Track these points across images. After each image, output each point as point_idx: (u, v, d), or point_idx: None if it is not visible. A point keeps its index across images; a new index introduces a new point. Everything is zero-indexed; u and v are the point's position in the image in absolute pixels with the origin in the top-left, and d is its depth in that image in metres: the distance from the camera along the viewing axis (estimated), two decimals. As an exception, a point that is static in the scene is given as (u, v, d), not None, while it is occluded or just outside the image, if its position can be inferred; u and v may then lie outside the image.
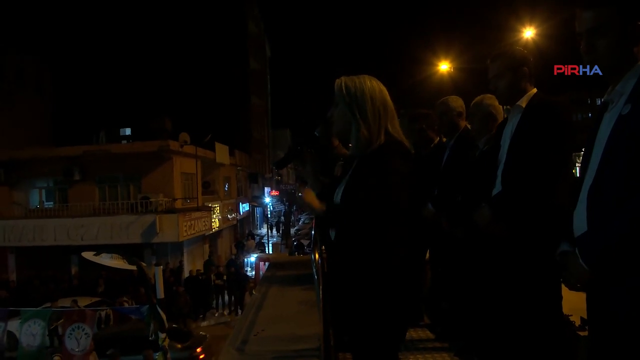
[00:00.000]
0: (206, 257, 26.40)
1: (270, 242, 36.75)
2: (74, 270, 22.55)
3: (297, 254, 23.94)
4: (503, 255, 2.91)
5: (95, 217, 22.66)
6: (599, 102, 2.07)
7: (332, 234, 2.44)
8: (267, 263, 17.05)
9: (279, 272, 8.18)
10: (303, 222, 49.08)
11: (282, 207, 48.99)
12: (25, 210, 24.45)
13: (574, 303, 2.90)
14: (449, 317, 4.38)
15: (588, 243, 1.86)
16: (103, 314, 14.62)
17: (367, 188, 2.22)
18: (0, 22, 27.77)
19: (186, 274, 21.82)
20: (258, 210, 47.32)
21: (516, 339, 2.92)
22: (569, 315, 3.67)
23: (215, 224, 27.47)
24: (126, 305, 15.80)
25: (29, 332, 8.00)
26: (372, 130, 2.30)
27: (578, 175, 2.09)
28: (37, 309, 10.82)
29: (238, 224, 35.86)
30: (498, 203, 2.94)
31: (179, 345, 13.18)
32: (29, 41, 29.67)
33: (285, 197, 48.53)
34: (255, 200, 43.79)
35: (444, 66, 23.80)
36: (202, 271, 22.05)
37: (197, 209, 25.07)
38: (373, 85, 2.35)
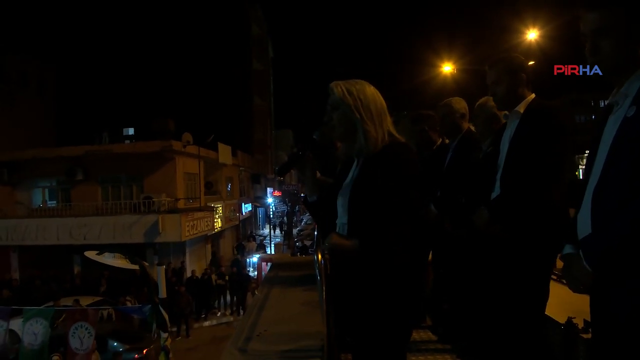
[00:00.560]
0: (209, 257, 26.43)
1: (273, 242, 36.78)
2: (76, 269, 22.60)
3: (301, 255, 23.92)
4: (501, 257, 2.97)
5: (97, 216, 22.69)
6: (602, 104, 2.07)
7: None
8: (269, 263, 17.06)
9: (282, 272, 8.18)
10: (305, 223, 49.11)
11: (284, 208, 48.99)
12: (28, 209, 24.51)
13: (577, 305, 2.90)
14: (450, 319, 4.38)
15: (593, 245, 1.86)
16: (105, 313, 14.64)
17: (387, 191, 2.20)
18: (4, 23, 27.85)
19: (188, 273, 21.84)
20: (260, 211, 47.35)
21: (513, 339, 2.95)
22: (572, 318, 3.68)
23: (218, 224, 27.50)
24: (129, 304, 15.82)
25: (31, 331, 8.02)
26: (378, 131, 2.31)
27: (582, 177, 2.09)
28: (39, 307, 10.84)
29: (240, 225, 35.89)
30: (495, 205, 2.99)
31: (128, 346, 13.50)
32: (31, 42, 29.79)
33: (288, 197, 48.52)
34: (258, 201, 43.82)
35: (447, 68, 23.80)
36: (208, 270, 22.16)
37: (200, 209, 25.09)
38: (372, 89, 2.40)
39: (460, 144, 4.18)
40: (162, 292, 7.59)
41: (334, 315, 2.50)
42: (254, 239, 34.54)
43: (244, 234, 37.20)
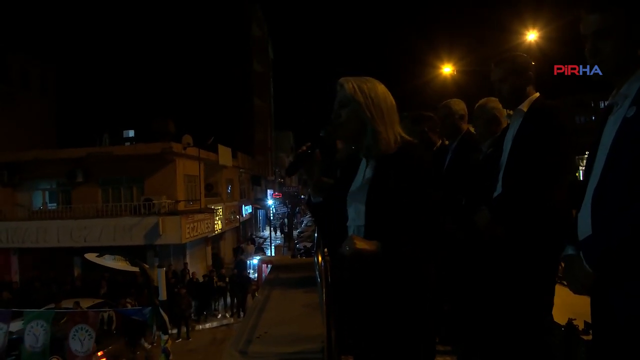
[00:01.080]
0: (209, 259, 26.43)
1: (273, 244, 36.78)
2: (76, 271, 22.62)
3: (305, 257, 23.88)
4: (503, 257, 2.95)
5: (98, 218, 22.71)
6: (602, 105, 2.08)
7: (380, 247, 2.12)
8: (269, 265, 17.05)
9: (282, 274, 8.17)
10: (306, 225, 49.10)
11: (285, 209, 49.02)
12: (29, 211, 24.50)
13: (577, 307, 2.90)
14: (451, 320, 4.37)
15: (593, 246, 1.85)
16: (106, 315, 14.65)
17: (408, 193, 2.12)
18: (5, 24, 27.88)
19: (189, 275, 21.87)
20: (261, 213, 47.35)
21: (514, 341, 2.95)
22: (572, 319, 3.67)
23: (218, 226, 27.52)
24: (129, 307, 15.83)
25: (32, 333, 8.03)
26: (389, 131, 2.25)
27: (582, 178, 2.09)
28: (40, 310, 10.85)
29: (241, 226, 35.89)
30: (497, 205, 2.98)
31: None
32: (33, 43, 29.80)
33: (288, 199, 48.51)
34: (258, 203, 43.83)
35: (447, 69, 23.81)
36: (212, 271, 22.20)
37: (200, 211, 25.11)
38: (382, 87, 2.32)
39: (459, 145, 4.18)
40: (163, 294, 7.60)
41: (345, 318, 2.44)
42: (253, 242, 34.50)
43: (244, 236, 37.19)
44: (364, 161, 2.37)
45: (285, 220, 44.99)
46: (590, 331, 2.11)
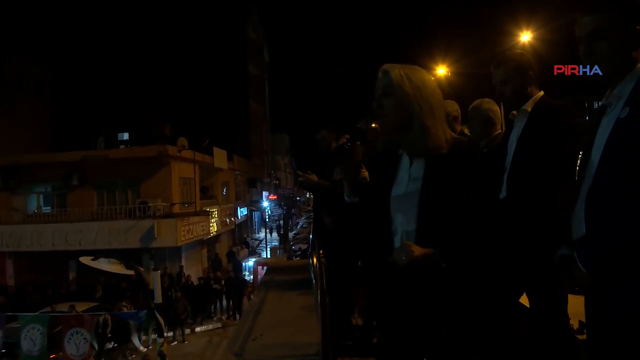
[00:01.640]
0: (205, 262, 26.36)
1: (269, 246, 36.78)
2: (71, 275, 22.54)
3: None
4: (507, 259, 2.90)
5: (93, 222, 22.62)
6: (596, 105, 2.09)
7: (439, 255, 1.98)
8: (265, 267, 17.04)
9: (277, 276, 8.16)
10: (301, 226, 49.11)
11: (280, 211, 49.01)
12: (24, 215, 24.40)
13: (572, 307, 2.90)
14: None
15: (586, 247, 1.86)
16: (101, 319, 14.61)
17: (470, 196, 1.97)
18: (2, 25, 27.77)
19: (185, 278, 21.84)
20: (256, 215, 47.32)
21: (518, 340, 2.93)
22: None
23: (214, 228, 27.46)
24: (125, 310, 15.80)
25: (29, 337, 8.01)
26: (438, 126, 2.06)
27: (576, 177, 2.10)
28: (35, 314, 10.81)
29: (236, 229, 35.85)
30: (503, 207, 2.93)
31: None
32: (30, 45, 29.69)
33: (284, 201, 48.51)
34: (254, 205, 43.79)
35: (441, 70, 23.88)
36: (210, 273, 22.26)
37: (195, 214, 25.05)
38: (431, 78, 2.15)
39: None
40: (158, 297, 7.60)
41: (392, 330, 2.17)
42: (247, 245, 34.40)
43: (240, 238, 37.14)
44: (405, 158, 2.16)
45: (281, 222, 44.97)
46: (585, 331, 2.10)
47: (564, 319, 2.95)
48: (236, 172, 36.48)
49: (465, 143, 2.09)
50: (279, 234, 43.46)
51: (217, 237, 29.38)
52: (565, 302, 2.89)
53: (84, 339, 8.18)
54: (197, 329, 19.54)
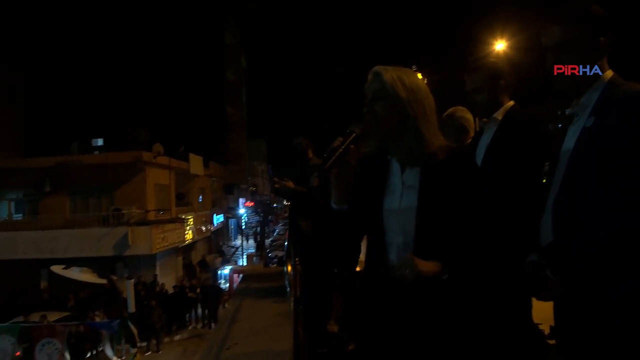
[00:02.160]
0: (180, 270, 26.10)
1: (245, 253, 36.59)
2: (43, 284, 22.07)
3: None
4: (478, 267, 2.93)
5: (66, 229, 22.22)
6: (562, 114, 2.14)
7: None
8: (241, 275, 16.94)
9: (253, 284, 8.11)
10: (278, 234, 48.99)
11: (257, 218, 48.81)
12: (-6, 223, 23.90)
13: (543, 312, 2.93)
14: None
15: (554, 253, 1.89)
16: (74, 329, 14.35)
17: (469, 206, 1.90)
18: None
19: (159, 286, 21.57)
20: (232, 222, 47.07)
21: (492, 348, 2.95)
22: (538, 324, 3.72)
23: (189, 235, 27.22)
24: (97, 319, 15.55)
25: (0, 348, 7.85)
26: (432, 132, 1.97)
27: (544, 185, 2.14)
28: (5, 324, 10.59)
29: (212, 236, 35.60)
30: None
31: None
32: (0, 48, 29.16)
33: (261, 208, 48.32)
34: (230, 212, 43.55)
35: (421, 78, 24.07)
36: (184, 281, 22.00)
37: (171, 221, 24.82)
38: (423, 82, 2.06)
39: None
40: (132, 307, 7.49)
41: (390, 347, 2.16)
42: (221, 254, 34.10)
43: (216, 245, 36.88)
44: (395, 165, 2.05)
45: (258, 229, 44.80)
46: (554, 336, 2.14)
47: (533, 325, 3.00)
48: (212, 179, 36.28)
49: (460, 150, 2.03)
50: (255, 241, 43.27)
51: (192, 244, 29.13)
52: (529, 306, 2.94)
53: (56, 349, 8.04)
54: (172, 339, 19.31)
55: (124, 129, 27.58)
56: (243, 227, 45.66)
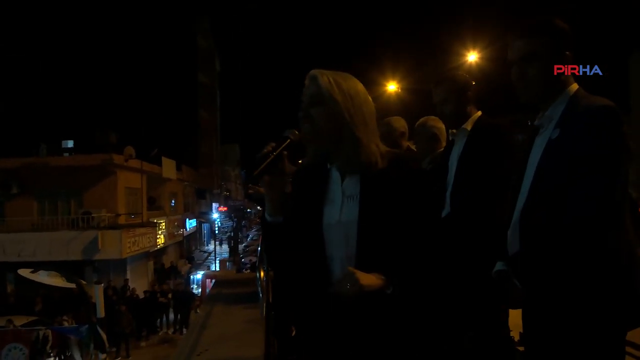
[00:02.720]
0: (151, 275, 25.78)
1: (218, 258, 36.31)
2: (9, 288, 21.57)
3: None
4: (450, 276, 2.96)
5: (33, 232, 21.77)
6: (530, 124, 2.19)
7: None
8: (213, 280, 16.80)
9: (225, 289, 8.07)
10: (251, 239, 48.72)
11: (230, 223, 48.51)
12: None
13: (513, 318, 2.99)
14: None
15: (521, 263, 1.94)
16: (41, 333, 14.04)
17: (415, 215, 1.79)
18: None
19: (129, 291, 21.26)
20: (205, 227, 46.68)
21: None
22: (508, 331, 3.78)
23: (161, 240, 26.92)
24: (66, 324, 15.25)
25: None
26: (371, 139, 1.86)
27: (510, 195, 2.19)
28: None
29: (184, 240, 35.25)
30: (446, 224, 3.02)
31: None
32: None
33: (234, 212, 48.02)
34: (203, 216, 43.20)
35: (392, 86, 24.29)
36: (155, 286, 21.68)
37: (142, 225, 24.52)
38: (362, 87, 1.92)
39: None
40: (101, 312, 7.38)
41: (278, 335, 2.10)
42: (190, 260, 33.74)
43: (188, 250, 36.52)
44: (335, 173, 1.92)
45: (231, 234, 44.51)
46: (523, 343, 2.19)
47: (505, 331, 3.06)
48: (185, 183, 35.96)
49: (402, 157, 1.92)
50: (229, 246, 42.98)
51: (164, 249, 28.82)
52: (506, 315, 2.99)
53: (22, 353, 7.87)
54: (142, 344, 19.03)
55: (95, 130, 27.14)
56: (216, 232, 45.30)
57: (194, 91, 40.32)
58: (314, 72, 1.87)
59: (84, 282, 7.85)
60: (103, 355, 7.09)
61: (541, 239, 1.88)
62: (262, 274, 3.85)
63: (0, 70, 32.57)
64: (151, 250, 25.68)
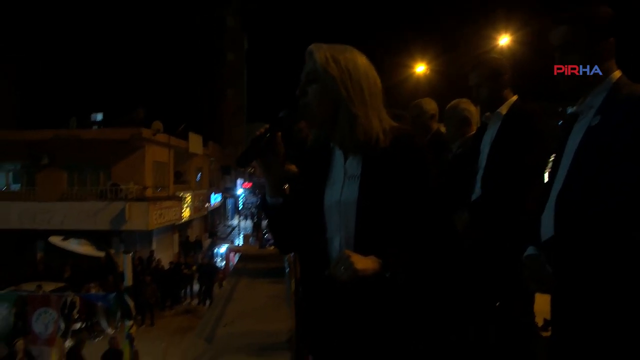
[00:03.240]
0: (176, 247, 26.19)
1: (242, 233, 36.71)
2: (39, 255, 22.15)
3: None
4: (479, 259, 2.97)
5: (62, 202, 22.27)
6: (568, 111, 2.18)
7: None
8: (237, 254, 17.01)
9: (250, 264, 8.16)
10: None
11: (254, 199, 48.85)
12: (-9, 192, 23.89)
13: (537, 305, 2.99)
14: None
15: (555, 248, 1.94)
16: (69, 299, 14.42)
17: (416, 197, 1.71)
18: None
19: (155, 262, 21.68)
20: (230, 202, 47.10)
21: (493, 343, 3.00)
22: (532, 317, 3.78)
23: (186, 213, 27.28)
24: (93, 292, 15.63)
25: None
26: (370, 116, 1.75)
27: (547, 180, 2.18)
28: (1, 292, 10.65)
29: (209, 215, 35.66)
30: (476, 208, 3.01)
31: None
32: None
33: (259, 189, 48.28)
34: (227, 192, 43.56)
35: (421, 68, 24.01)
36: (181, 258, 22.25)
37: (168, 198, 24.85)
38: (364, 60, 1.81)
39: (429, 145, 4.24)
40: (128, 280, 7.53)
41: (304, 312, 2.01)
42: (210, 235, 34.09)
43: (212, 224, 36.94)
44: (338, 153, 1.86)
45: (255, 209, 44.83)
46: (549, 328, 2.19)
47: (529, 318, 3.06)
48: (211, 159, 36.24)
49: (409, 135, 1.79)
50: (252, 222, 43.34)
51: (189, 222, 29.21)
52: (532, 301, 3.00)
53: (52, 318, 8.11)
54: (166, 314, 19.46)
55: (125, 105, 27.44)
56: (240, 207, 45.68)
57: (222, 69, 40.42)
58: (311, 47, 1.80)
59: (112, 251, 8.00)
60: (129, 323, 7.25)
61: (575, 225, 1.88)
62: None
63: (32, 44, 32.98)
64: (177, 224, 26.06)
